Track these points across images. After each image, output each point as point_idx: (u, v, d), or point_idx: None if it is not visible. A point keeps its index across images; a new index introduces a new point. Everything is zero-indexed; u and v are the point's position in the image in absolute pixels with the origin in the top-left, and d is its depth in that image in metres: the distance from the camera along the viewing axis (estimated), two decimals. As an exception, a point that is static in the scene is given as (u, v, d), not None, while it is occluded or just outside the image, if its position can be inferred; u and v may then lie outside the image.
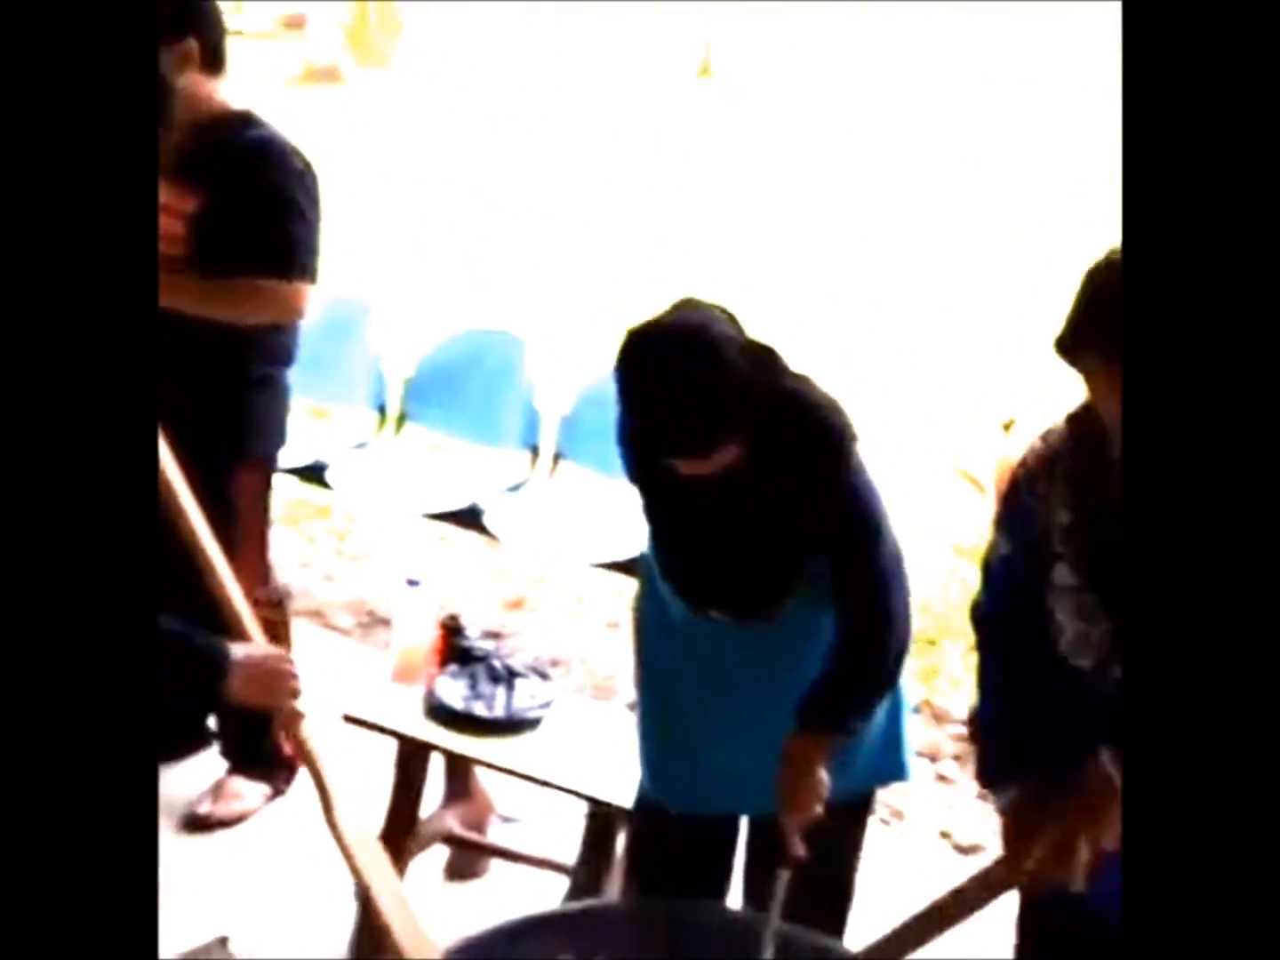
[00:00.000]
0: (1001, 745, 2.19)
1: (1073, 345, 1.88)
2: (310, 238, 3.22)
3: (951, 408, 5.75)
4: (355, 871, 2.13)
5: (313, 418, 5.08)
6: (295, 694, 2.25)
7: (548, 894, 3.06)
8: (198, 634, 2.13)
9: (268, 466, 3.48)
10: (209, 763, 3.62)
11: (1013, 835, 2.12)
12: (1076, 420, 2.05)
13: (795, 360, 2.38)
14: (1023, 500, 2.09)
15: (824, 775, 2.35)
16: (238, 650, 2.19)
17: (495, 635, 4.22)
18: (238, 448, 3.31)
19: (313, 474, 4.55)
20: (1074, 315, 1.88)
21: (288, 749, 3.47)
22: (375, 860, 2.16)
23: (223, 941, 3.08)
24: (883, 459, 2.71)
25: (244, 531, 3.34)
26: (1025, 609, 2.10)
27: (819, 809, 2.34)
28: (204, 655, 2.14)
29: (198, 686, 2.19)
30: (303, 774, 3.50)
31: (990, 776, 2.21)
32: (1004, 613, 2.17)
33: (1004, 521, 2.15)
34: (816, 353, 4.69)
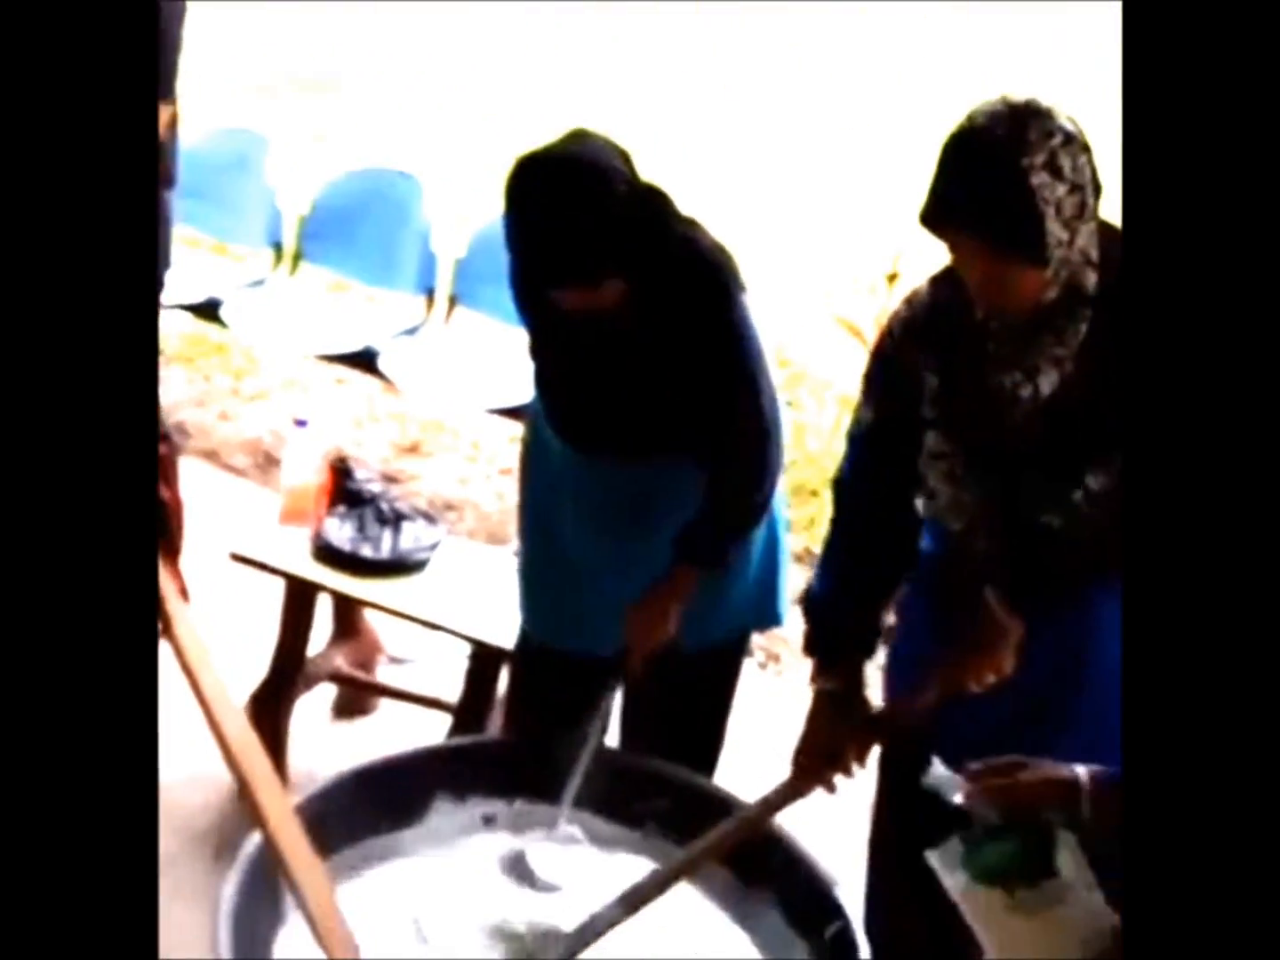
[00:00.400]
0: (833, 625, 2.24)
1: (934, 218, 1.91)
2: (167, 56, 3.16)
3: (840, 261, 5.77)
4: (192, 686, 2.16)
5: (209, 253, 5.00)
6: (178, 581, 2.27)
7: (432, 732, 3.13)
8: None
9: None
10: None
11: (817, 733, 2.19)
12: (939, 283, 2.08)
13: (684, 206, 2.39)
14: (888, 364, 2.13)
15: (679, 611, 2.43)
16: None
17: (391, 479, 4.25)
18: None
19: (208, 310, 4.49)
20: (934, 189, 1.91)
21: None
22: (210, 675, 2.18)
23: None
24: (771, 309, 2.74)
25: None
26: (890, 477, 2.14)
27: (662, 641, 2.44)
28: None
29: None
30: (198, 611, 3.54)
31: (820, 656, 2.26)
32: (863, 484, 2.21)
33: (870, 386, 2.18)
34: (706, 201, 4.69)
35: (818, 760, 2.18)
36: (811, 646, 2.28)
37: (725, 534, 2.44)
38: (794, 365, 4.77)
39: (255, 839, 2.22)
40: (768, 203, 6.71)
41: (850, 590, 2.24)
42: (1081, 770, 1.69)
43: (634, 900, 2.16)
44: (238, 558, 3.07)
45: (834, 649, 2.24)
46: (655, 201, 2.32)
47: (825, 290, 5.28)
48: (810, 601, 2.28)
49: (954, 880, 1.60)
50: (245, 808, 2.11)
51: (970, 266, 1.93)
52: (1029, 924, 1.59)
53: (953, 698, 2.06)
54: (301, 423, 3.24)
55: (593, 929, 2.15)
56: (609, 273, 2.21)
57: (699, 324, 2.32)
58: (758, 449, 2.39)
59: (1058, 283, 1.91)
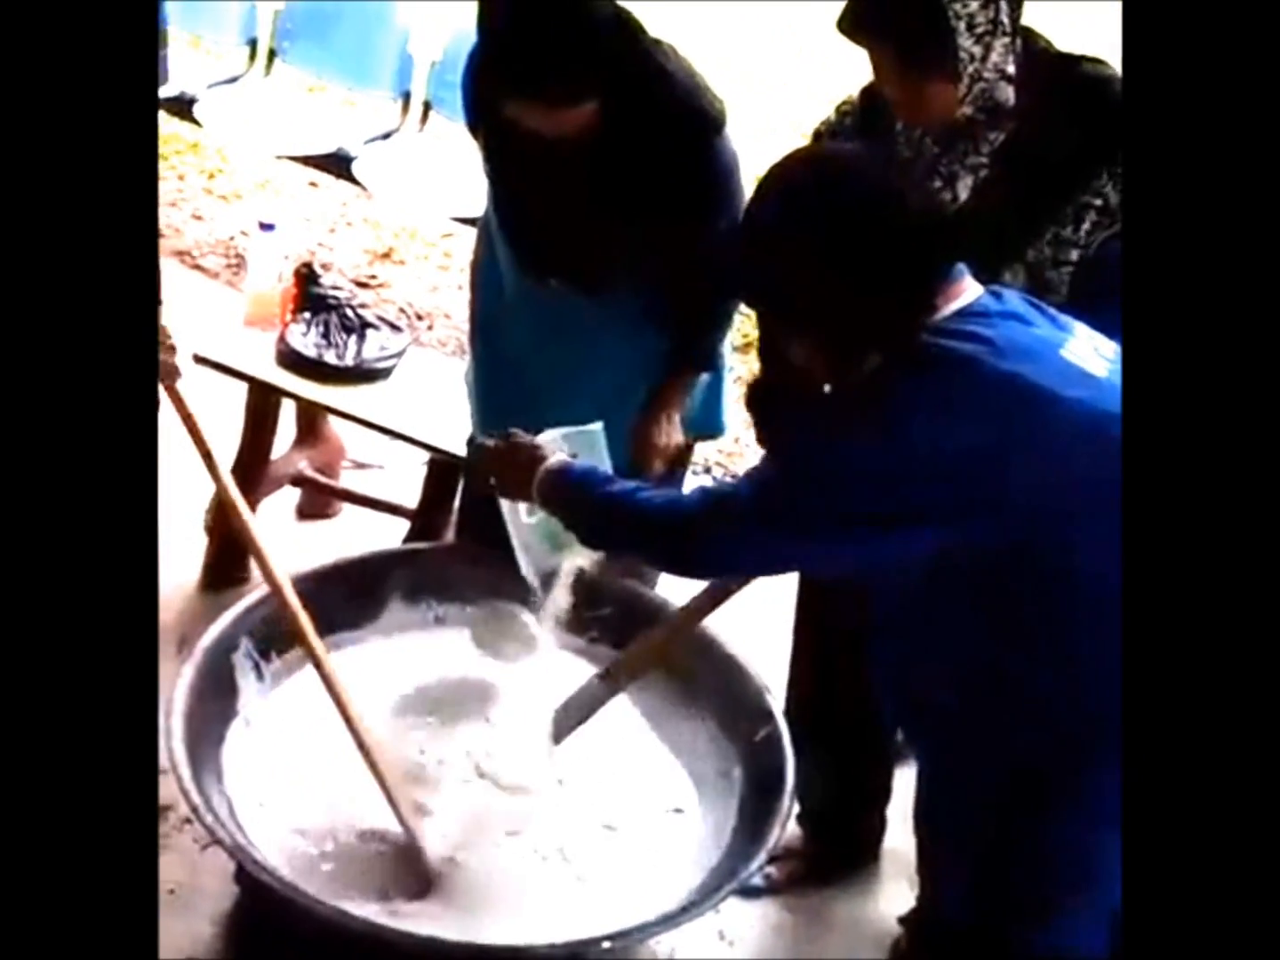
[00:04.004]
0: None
1: (850, 27, 1.94)
2: None
3: (815, 83, 5.65)
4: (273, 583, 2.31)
5: (184, 48, 4.90)
6: (170, 349, 2.29)
7: (392, 536, 3.19)
8: None
9: None
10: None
11: None
12: (868, 93, 2.12)
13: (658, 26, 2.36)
14: None
15: (680, 417, 2.53)
16: None
17: (362, 285, 4.25)
18: None
19: (182, 107, 4.43)
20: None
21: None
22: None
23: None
24: (744, 130, 2.72)
25: None
26: None
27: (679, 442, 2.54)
28: None
29: None
30: (163, 412, 3.57)
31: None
32: None
33: None
34: (681, 20, 4.59)
35: None
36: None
37: (714, 337, 2.50)
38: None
39: (209, 638, 2.31)
40: (742, 22, 6.56)
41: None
42: (552, 461, 1.94)
43: (575, 716, 2.25)
44: (200, 360, 3.09)
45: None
46: (634, 26, 2.27)
47: (798, 112, 5.19)
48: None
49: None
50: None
51: (885, 78, 1.97)
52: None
53: None
54: (268, 226, 3.22)
55: (588, 707, 2.25)
56: (585, 94, 2.17)
57: (679, 159, 2.29)
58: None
59: (972, 97, 1.94)
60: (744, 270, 1.72)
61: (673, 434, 2.53)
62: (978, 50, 1.89)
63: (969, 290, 1.67)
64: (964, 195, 2.02)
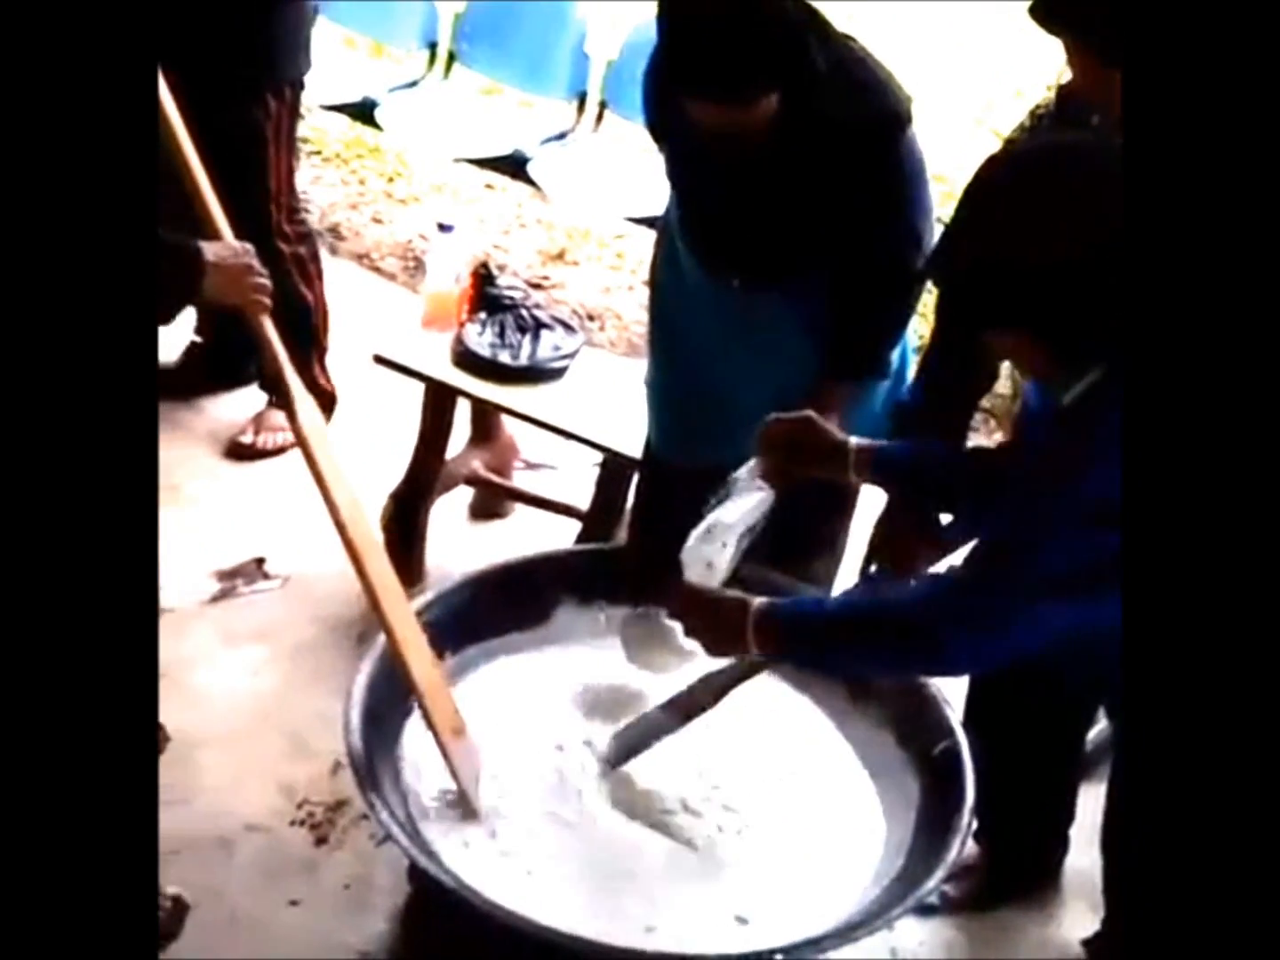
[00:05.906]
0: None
1: (1043, 16, 1.90)
2: None
3: (1001, 73, 5.53)
4: (312, 468, 2.21)
5: (366, 55, 5.00)
6: (262, 290, 2.22)
7: (564, 537, 3.20)
8: (169, 235, 2.04)
9: (295, 91, 3.41)
10: (252, 396, 3.74)
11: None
12: (1062, 91, 2.07)
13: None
14: None
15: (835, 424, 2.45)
16: (208, 248, 2.15)
17: (536, 286, 4.27)
18: (264, 70, 3.26)
19: (364, 112, 4.51)
20: None
21: (325, 384, 3.57)
22: (331, 462, 2.22)
23: (259, 562, 3.27)
24: (928, 124, 2.67)
25: (273, 156, 3.32)
26: None
27: None
28: (179, 252, 2.10)
29: (177, 284, 2.13)
30: (342, 410, 3.64)
31: None
32: None
33: None
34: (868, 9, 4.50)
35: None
36: None
37: (885, 343, 2.44)
38: (949, 182, 4.62)
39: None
40: (927, 12, 6.45)
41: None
42: (755, 610, 1.86)
43: (688, 708, 2.19)
44: (380, 360, 3.13)
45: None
46: (817, 18, 2.24)
47: (986, 103, 5.08)
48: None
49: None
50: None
51: (1079, 70, 1.92)
52: None
53: None
54: (446, 227, 3.25)
55: (649, 735, 2.19)
56: (763, 90, 2.14)
57: (864, 155, 2.26)
58: (908, 264, 2.34)
59: None
60: (964, 268, 1.62)
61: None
62: None
63: None
64: None
